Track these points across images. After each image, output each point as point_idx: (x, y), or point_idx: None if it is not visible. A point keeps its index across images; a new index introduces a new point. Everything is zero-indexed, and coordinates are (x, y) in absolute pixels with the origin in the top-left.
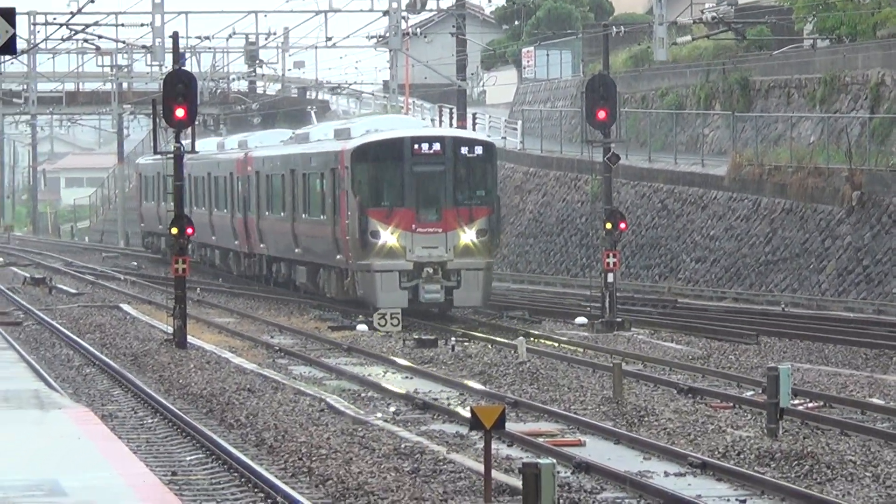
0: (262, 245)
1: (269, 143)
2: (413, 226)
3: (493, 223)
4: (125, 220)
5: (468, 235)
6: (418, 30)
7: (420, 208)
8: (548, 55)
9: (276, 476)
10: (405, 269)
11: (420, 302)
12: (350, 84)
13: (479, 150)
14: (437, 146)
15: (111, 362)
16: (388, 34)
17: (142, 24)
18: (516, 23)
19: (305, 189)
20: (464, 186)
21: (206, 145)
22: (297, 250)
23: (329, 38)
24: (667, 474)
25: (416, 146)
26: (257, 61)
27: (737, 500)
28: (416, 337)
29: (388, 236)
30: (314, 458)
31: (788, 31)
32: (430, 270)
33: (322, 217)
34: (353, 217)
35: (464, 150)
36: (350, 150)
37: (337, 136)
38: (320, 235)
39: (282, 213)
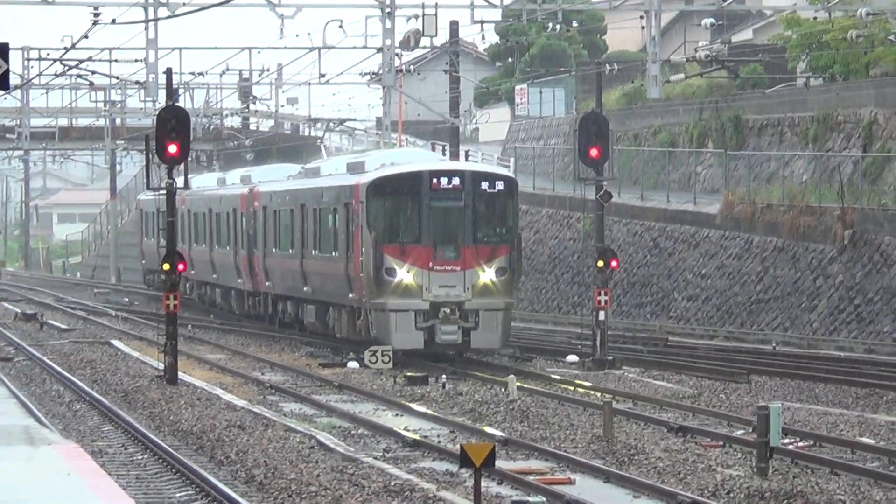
0: (267, 283)
1: (274, 177)
2: (430, 263)
3: (513, 262)
4: (117, 256)
5: (487, 274)
6: (412, 67)
7: (437, 245)
8: (541, 93)
9: None
10: (421, 308)
11: (436, 343)
12: (343, 121)
13: (500, 185)
14: (456, 181)
15: (102, 398)
16: (381, 71)
17: (135, 60)
18: (510, 60)
19: (316, 225)
20: (483, 223)
21: (206, 180)
22: (305, 288)
23: (322, 75)
24: None
25: (434, 180)
26: (251, 97)
27: None
28: (407, 374)
29: (404, 274)
30: (304, 496)
31: (781, 69)
32: (448, 311)
33: (334, 254)
34: (367, 254)
35: (484, 184)
36: (365, 184)
37: (350, 170)
38: (331, 273)
39: (290, 250)
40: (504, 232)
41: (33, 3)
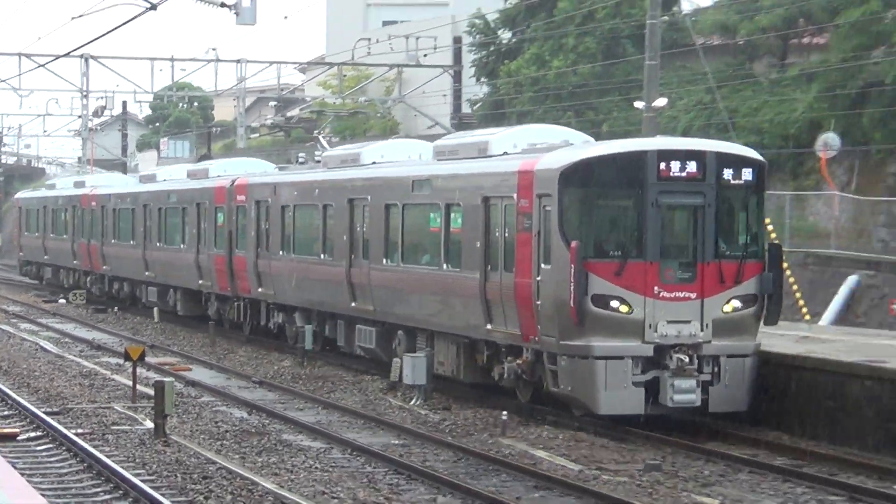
0: (266, 290)
1: (246, 171)
2: (655, 288)
3: (766, 285)
4: None
5: (733, 304)
6: (99, 126)
7: (666, 261)
8: (175, 143)
9: (9, 388)
10: (642, 354)
11: (664, 405)
12: (58, 158)
13: (747, 173)
14: (692, 166)
15: None
16: (81, 129)
17: None
18: (157, 123)
19: (388, 225)
20: (729, 229)
21: (105, 179)
22: (353, 304)
23: (45, 131)
24: (240, 387)
25: (662, 165)
26: (1, 143)
27: (279, 402)
28: (94, 307)
29: (618, 303)
30: (31, 378)
31: (313, 131)
32: (683, 358)
33: (444, 267)
34: (557, 272)
35: (727, 173)
36: (557, 171)
37: (439, 155)
38: (441, 293)
39: (324, 255)
40: (750, 241)
41: None
